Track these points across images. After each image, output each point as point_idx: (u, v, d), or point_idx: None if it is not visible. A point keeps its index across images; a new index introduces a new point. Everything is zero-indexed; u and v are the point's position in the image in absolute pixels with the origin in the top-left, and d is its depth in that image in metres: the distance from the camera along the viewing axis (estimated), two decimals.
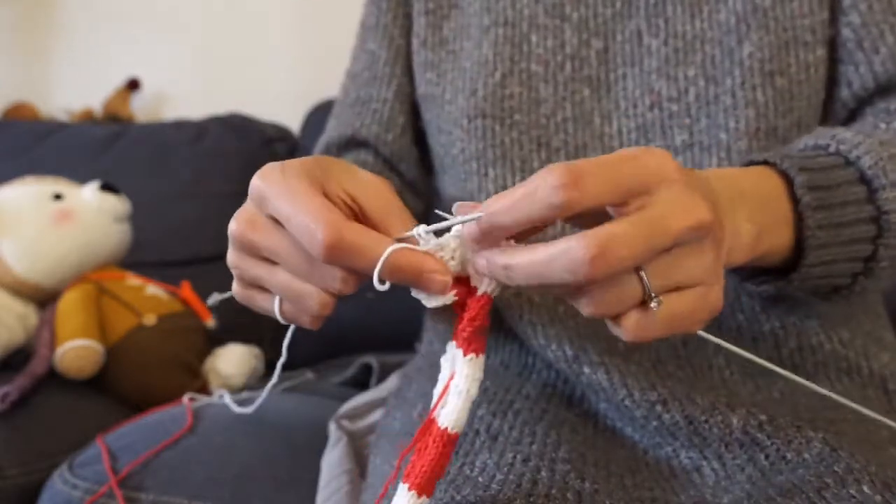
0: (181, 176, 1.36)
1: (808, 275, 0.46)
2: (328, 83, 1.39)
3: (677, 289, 0.35)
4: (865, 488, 0.38)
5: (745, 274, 0.51)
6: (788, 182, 0.45)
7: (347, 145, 0.70)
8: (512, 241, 0.35)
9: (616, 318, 0.35)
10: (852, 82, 0.58)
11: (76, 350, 0.88)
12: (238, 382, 0.99)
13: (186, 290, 1.08)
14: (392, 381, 0.76)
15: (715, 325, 0.55)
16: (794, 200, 0.45)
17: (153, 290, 1.03)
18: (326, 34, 1.60)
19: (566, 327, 0.54)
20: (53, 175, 1.08)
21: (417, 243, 0.36)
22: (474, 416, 0.50)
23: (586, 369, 0.51)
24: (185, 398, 0.77)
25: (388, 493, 0.47)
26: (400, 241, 0.36)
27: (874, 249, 0.46)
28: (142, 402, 0.89)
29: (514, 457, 0.43)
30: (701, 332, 0.38)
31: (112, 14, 1.73)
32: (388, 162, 0.70)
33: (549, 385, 0.55)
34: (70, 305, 0.93)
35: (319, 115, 1.37)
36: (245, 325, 1.22)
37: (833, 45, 0.58)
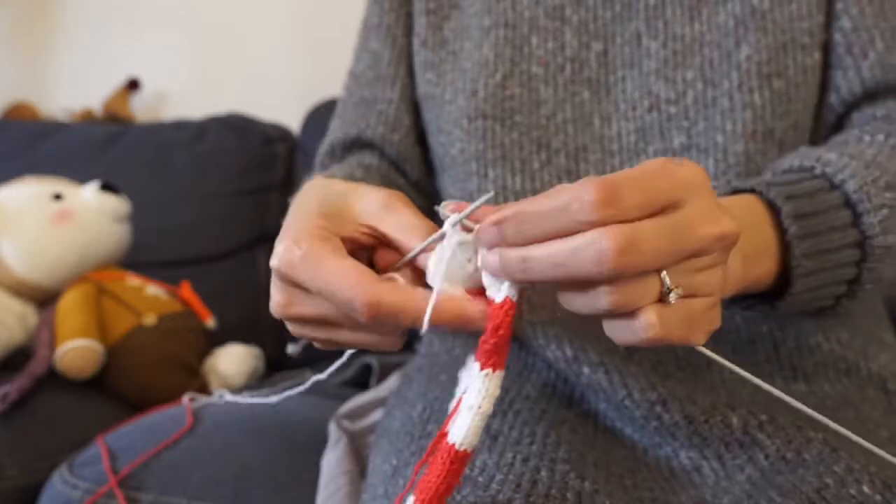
0: (181, 176, 1.36)
1: (794, 301, 0.46)
2: (328, 83, 1.39)
3: (692, 296, 0.35)
4: (865, 488, 0.38)
5: (730, 299, 0.51)
6: (774, 210, 0.45)
7: (352, 146, 0.70)
8: None
9: (632, 314, 0.34)
10: (840, 87, 0.58)
11: (76, 350, 0.88)
12: (238, 382, 0.99)
13: (186, 290, 1.08)
14: (392, 381, 0.76)
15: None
16: (780, 229, 0.45)
17: (153, 290, 1.03)
18: (326, 34, 1.60)
19: (566, 327, 0.54)
20: (53, 175, 1.08)
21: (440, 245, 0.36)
22: None
23: (586, 369, 0.51)
24: (185, 398, 0.77)
25: (387, 493, 0.47)
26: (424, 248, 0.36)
27: (858, 273, 0.47)
28: (142, 402, 0.90)
29: (514, 457, 0.43)
30: (700, 348, 0.37)
31: (112, 14, 1.73)
32: (394, 163, 0.70)
33: (549, 385, 0.55)
34: (70, 305, 0.93)
35: (319, 115, 1.37)
36: (245, 325, 1.22)
37: (826, 49, 0.58)
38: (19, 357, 0.93)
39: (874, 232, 0.45)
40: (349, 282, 0.35)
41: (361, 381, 0.86)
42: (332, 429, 0.66)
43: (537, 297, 0.56)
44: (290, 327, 0.42)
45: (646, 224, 0.32)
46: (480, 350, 0.34)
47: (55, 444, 0.80)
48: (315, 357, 1.17)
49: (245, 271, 1.32)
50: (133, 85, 1.67)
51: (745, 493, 0.41)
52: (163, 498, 0.63)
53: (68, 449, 0.77)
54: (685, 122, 0.57)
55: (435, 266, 0.36)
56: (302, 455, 0.66)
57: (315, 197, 0.41)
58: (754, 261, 0.43)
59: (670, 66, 0.58)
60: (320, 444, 0.66)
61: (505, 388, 0.53)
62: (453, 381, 0.55)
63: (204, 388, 0.97)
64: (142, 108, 1.70)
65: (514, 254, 0.33)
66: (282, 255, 0.37)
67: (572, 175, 0.59)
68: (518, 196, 0.59)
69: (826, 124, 0.60)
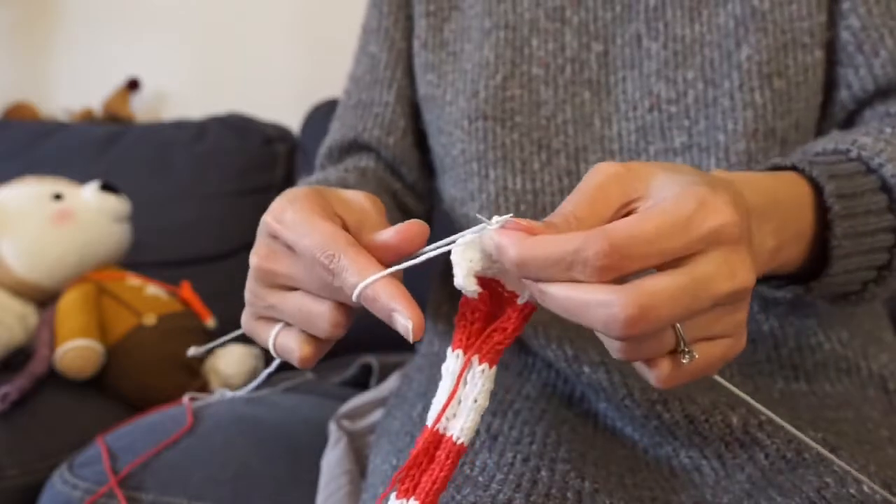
0: (181, 176, 1.36)
1: (830, 283, 0.46)
2: (328, 83, 1.40)
3: (708, 338, 0.34)
4: (865, 488, 0.38)
5: (759, 279, 0.50)
6: (815, 189, 0.45)
7: (350, 149, 0.71)
8: None
9: (646, 364, 0.34)
10: (852, 85, 0.58)
11: (76, 350, 0.88)
12: (238, 382, 0.99)
13: (186, 290, 1.08)
14: (392, 381, 0.76)
15: None
16: (819, 209, 0.44)
17: (153, 290, 1.03)
18: (326, 34, 1.60)
19: (566, 327, 0.54)
20: (53, 175, 1.08)
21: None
22: None
23: (586, 369, 0.51)
24: (185, 398, 0.77)
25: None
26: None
27: (889, 258, 0.46)
28: (142, 402, 0.89)
29: (514, 456, 0.43)
30: (718, 378, 0.37)
31: (112, 14, 1.73)
32: (390, 165, 0.70)
33: (549, 385, 0.55)
34: (70, 305, 0.93)
35: (319, 115, 1.37)
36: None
37: (831, 47, 0.58)
38: (19, 357, 0.93)
39: None
40: (329, 239, 0.36)
41: (361, 381, 0.86)
42: (332, 429, 0.66)
43: None
44: (248, 291, 0.42)
45: (660, 285, 0.30)
46: (487, 348, 0.34)
47: (55, 444, 0.80)
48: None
49: (245, 271, 1.30)
50: (133, 85, 1.67)
51: (745, 493, 0.41)
52: (163, 498, 0.63)
53: (68, 449, 0.77)
54: (686, 121, 0.57)
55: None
56: (302, 455, 0.66)
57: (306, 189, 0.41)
58: (787, 246, 0.42)
59: (671, 67, 0.58)
60: (320, 444, 0.66)
61: (505, 388, 0.53)
62: None
63: (204, 388, 0.97)
64: (142, 108, 1.70)
65: (534, 286, 0.33)
66: (274, 209, 0.39)
67: (573, 175, 0.59)
68: (518, 197, 0.59)
69: (837, 122, 0.60)
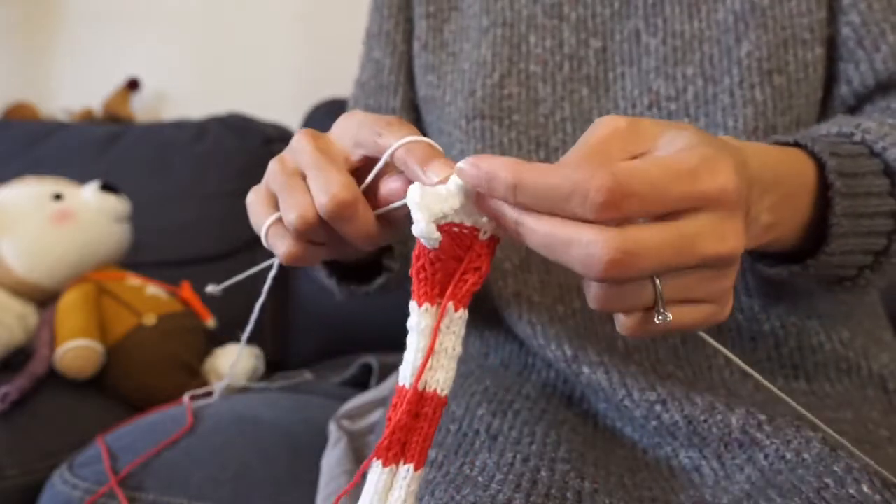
0: (181, 176, 1.36)
1: (826, 263, 0.45)
2: (328, 83, 1.40)
3: (690, 301, 0.34)
4: (865, 488, 0.38)
5: (754, 256, 0.50)
6: (818, 166, 0.44)
7: None
8: None
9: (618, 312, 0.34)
10: (852, 80, 0.58)
11: (76, 350, 0.88)
12: (238, 382, 0.99)
13: (186, 290, 1.08)
14: (392, 381, 0.76)
15: (714, 327, 0.55)
16: (820, 188, 0.44)
17: (153, 290, 1.03)
18: (327, 34, 1.60)
19: (566, 327, 0.54)
20: (53, 175, 1.08)
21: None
22: (474, 415, 0.50)
23: (586, 369, 0.51)
24: (185, 398, 0.77)
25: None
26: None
27: (887, 244, 0.46)
28: (142, 402, 0.89)
29: (514, 456, 0.43)
30: (703, 335, 0.37)
31: (112, 14, 1.73)
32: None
33: (549, 385, 0.55)
34: (70, 305, 0.93)
35: (319, 115, 1.37)
36: (245, 325, 1.22)
37: (832, 43, 0.58)
38: (19, 357, 0.93)
39: None
40: (337, 171, 0.37)
41: (361, 381, 0.86)
42: (332, 429, 0.66)
43: (537, 297, 0.56)
44: (269, 171, 0.42)
45: (646, 234, 0.30)
46: (463, 292, 0.33)
47: (55, 444, 0.80)
48: (315, 357, 1.17)
49: (245, 271, 1.32)
50: (133, 85, 1.67)
51: (744, 493, 0.41)
52: (163, 498, 0.63)
53: (68, 449, 0.77)
54: (686, 118, 0.57)
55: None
56: (302, 455, 0.66)
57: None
58: (783, 223, 0.42)
59: (670, 63, 0.58)
60: (320, 444, 0.66)
61: (505, 388, 0.53)
62: (453, 381, 0.56)
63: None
64: (142, 108, 1.70)
65: (510, 214, 0.32)
66: (304, 133, 0.40)
67: None
68: None
69: (834, 117, 0.60)
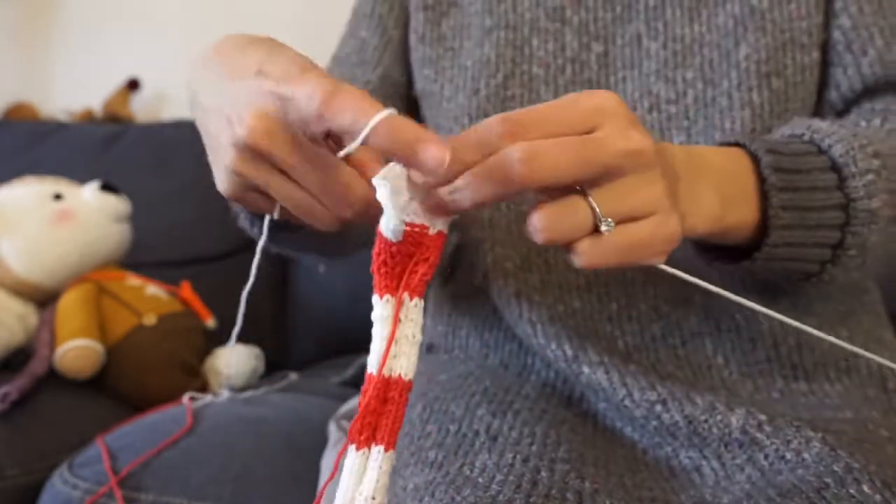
0: (181, 176, 1.36)
1: (771, 255, 0.46)
2: None
3: (633, 219, 0.36)
4: (865, 488, 0.38)
5: (712, 256, 0.51)
6: (757, 163, 0.46)
7: None
8: None
9: (569, 245, 0.36)
10: (840, 84, 0.58)
11: (76, 350, 0.88)
12: (238, 382, 0.99)
13: (186, 290, 1.08)
14: None
15: (713, 326, 0.55)
16: (762, 180, 0.46)
17: (153, 290, 1.03)
18: (326, 34, 1.60)
19: (565, 327, 0.54)
20: (53, 175, 1.08)
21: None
22: (474, 416, 0.50)
23: (585, 369, 0.51)
24: (185, 398, 0.77)
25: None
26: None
27: (842, 237, 0.47)
28: (142, 402, 0.90)
29: (514, 457, 0.43)
30: (662, 266, 0.39)
31: (112, 14, 1.73)
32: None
33: (549, 385, 0.55)
34: (70, 305, 0.93)
35: None
36: (245, 324, 1.22)
37: (825, 48, 0.58)
38: (19, 357, 0.93)
39: (858, 195, 0.46)
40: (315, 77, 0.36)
41: (361, 381, 0.86)
42: (332, 429, 0.66)
43: (538, 296, 0.56)
44: (234, 163, 0.41)
45: (548, 141, 0.34)
46: (415, 282, 0.36)
47: (55, 444, 0.80)
48: (315, 357, 1.17)
49: (245, 271, 1.31)
50: (133, 85, 1.67)
51: (744, 493, 0.41)
52: (163, 498, 0.63)
53: (68, 449, 0.77)
54: (685, 121, 0.57)
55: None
56: (302, 455, 0.66)
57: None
58: (734, 204, 0.44)
59: (670, 67, 0.58)
60: (320, 444, 0.66)
61: (505, 389, 0.53)
62: (453, 381, 0.56)
63: (204, 388, 0.97)
64: (142, 108, 1.70)
65: (443, 191, 0.35)
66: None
67: None
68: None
69: None
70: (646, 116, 0.58)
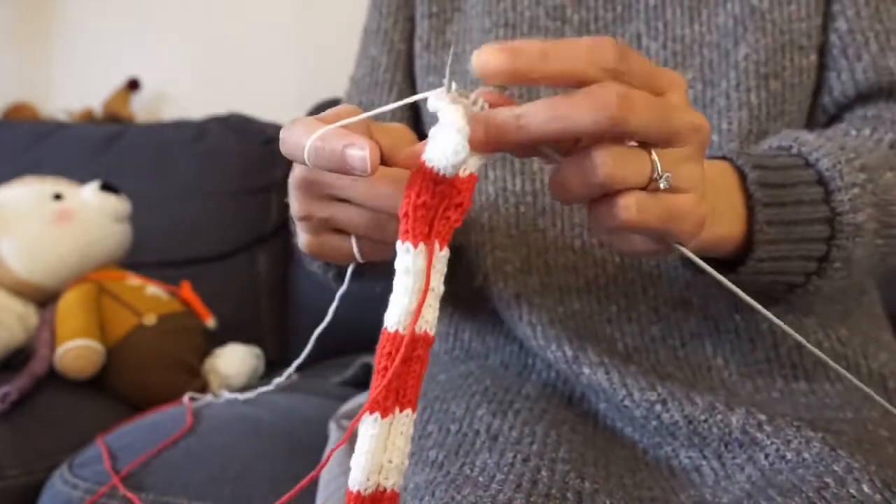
0: (181, 176, 1.36)
1: (756, 269, 0.46)
2: (328, 83, 1.39)
3: (677, 190, 0.36)
4: (865, 488, 0.38)
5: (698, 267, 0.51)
6: (743, 178, 0.46)
7: None
8: None
9: (618, 194, 0.34)
10: (833, 89, 0.58)
11: (76, 350, 0.88)
12: (238, 382, 0.99)
13: (186, 290, 1.08)
14: None
15: (713, 325, 0.55)
16: (748, 196, 0.46)
17: (153, 290, 1.03)
18: (326, 35, 1.60)
19: (565, 329, 0.54)
20: (53, 175, 1.08)
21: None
22: (474, 416, 0.50)
23: (586, 370, 0.51)
24: (185, 398, 0.77)
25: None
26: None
27: (827, 250, 0.47)
28: (142, 402, 0.90)
29: (515, 457, 0.43)
30: (681, 248, 0.38)
31: (112, 14, 1.73)
32: None
33: (549, 385, 0.55)
34: (70, 305, 0.93)
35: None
36: (245, 325, 1.22)
37: (822, 51, 0.58)
38: (19, 357, 0.93)
39: (844, 209, 0.46)
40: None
41: (361, 381, 0.86)
42: (332, 429, 0.66)
43: (538, 299, 0.56)
44: (297, 208, 0.42)
45: (637, 91, 0.33)
46: (447, 229, 0.33)
47: (55, 444, 0.80)
48: (315, 357, 1.17)
49: (245, 271, 1.32)
50: (133, 85, 1.67)
51: (744, 493, 0.41)
52: (163, 498, 0.63)
53: (68, 449, 0.77)
54: None
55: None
56: (302, 455, 0.66)
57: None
58: (719, 218, 0.44)
59: (670, 67, 0.58)
60: (320, 444, 0.66)
61: (505, 388, 0.53)
62: (453, 381, 0.56)
63: (204, 389, 0.97)
64: (142, 108, 1.70)
65: (508, 112, 0.33)
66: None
67: None
68: (518, 198, 0.59)
69: (818, 126, 0.60)
70: None
